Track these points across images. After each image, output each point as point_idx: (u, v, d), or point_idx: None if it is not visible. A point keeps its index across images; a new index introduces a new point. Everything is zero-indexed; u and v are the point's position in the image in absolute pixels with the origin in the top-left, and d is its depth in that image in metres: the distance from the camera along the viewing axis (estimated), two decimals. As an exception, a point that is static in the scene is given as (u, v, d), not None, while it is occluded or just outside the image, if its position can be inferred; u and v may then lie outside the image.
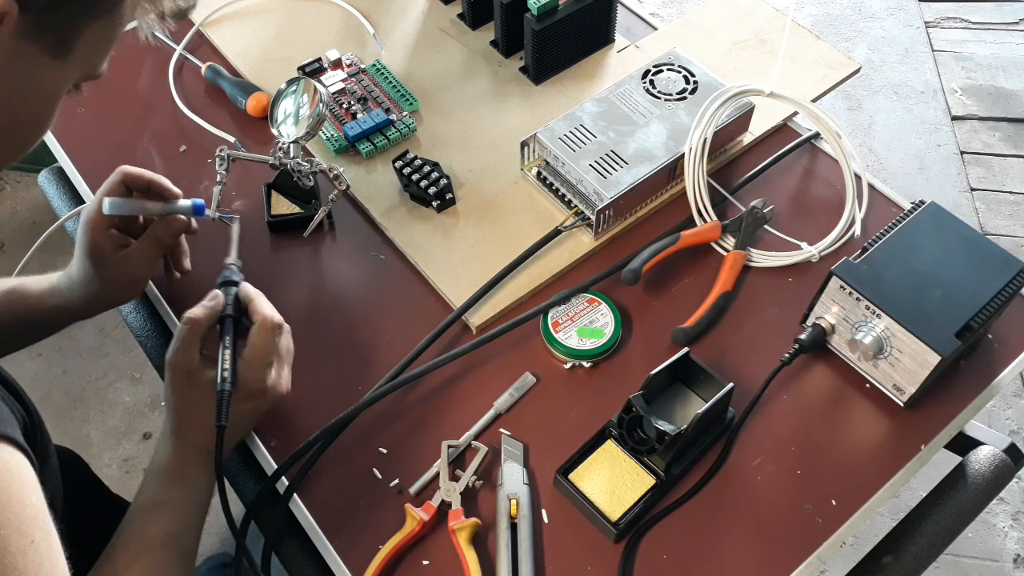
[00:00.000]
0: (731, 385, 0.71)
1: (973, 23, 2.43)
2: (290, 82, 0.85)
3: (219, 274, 0.75)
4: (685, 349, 0.74)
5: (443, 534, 0.69)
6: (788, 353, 0.76)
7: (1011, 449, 0.78)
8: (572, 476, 0.71)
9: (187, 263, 0.81)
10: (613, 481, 0.70)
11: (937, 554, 0.72)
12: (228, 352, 0.67)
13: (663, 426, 0.68)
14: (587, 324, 0.79)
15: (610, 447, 0.72)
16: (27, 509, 0.50)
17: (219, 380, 0.66)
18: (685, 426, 0.68)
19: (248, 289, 0.73)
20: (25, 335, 0.80)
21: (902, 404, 0.75)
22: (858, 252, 0.75)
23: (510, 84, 1.00)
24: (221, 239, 0.78)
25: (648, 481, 0.71)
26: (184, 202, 0.78)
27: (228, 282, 0.73)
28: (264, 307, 0.70)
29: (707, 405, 0.70)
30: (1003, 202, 2.04)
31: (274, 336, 0.69)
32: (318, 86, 0.83)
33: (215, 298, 0.71)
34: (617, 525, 0.68)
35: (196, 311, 0.69)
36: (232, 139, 0.95)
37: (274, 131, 0.84)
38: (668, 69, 0.92)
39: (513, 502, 0.69)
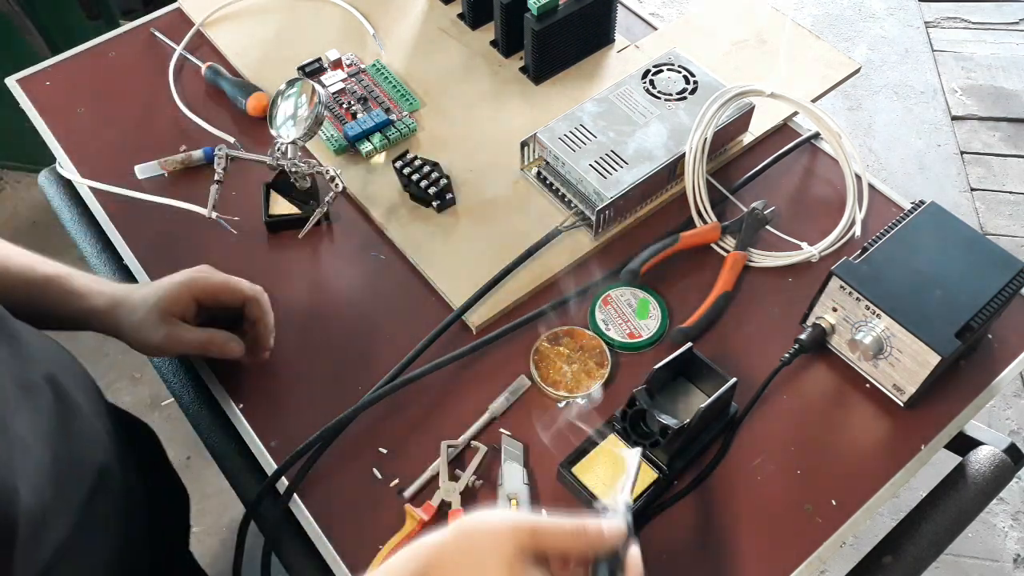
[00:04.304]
0: (734, 380, 0.71)
1: (973, 23, 2.43)
2: (289, 83, 0.84)
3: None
4: (689, 344, 0.74)
5: (443, 534, 0.69)
6: (788, 353, 0.76)
7: (1011, 449, 0.78)
8: (575, 469, 0.71)
9: (266, 355, 0.78)
10: (616, 475, 0.70)
11: (937, 554, 0.72)
12: None
13: (666, 420, 0.68)
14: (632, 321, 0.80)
15: (613, 441, 0.72)
16: None
17: None
18: (688, 420, 0.68)
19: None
20: (46, 320, 0.78)
21: (902, 404, 0.75)
22: (858, 252, 0.75)
23: (510, 84, 1.00)
24: (223, 243, 0.78)
25: (651, 476, 0.71)
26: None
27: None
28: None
29: (710, 399, 0.70)
30: (1003, 202, 2.04)
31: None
32: (316, 87, 0.83)
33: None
34: (619, 519, 0.68)
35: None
36: (231, 139, 0.95)
37: (273, 132, 0.84)
38: (668, 69, 0.92)
39: (513, 502, 0.69)
